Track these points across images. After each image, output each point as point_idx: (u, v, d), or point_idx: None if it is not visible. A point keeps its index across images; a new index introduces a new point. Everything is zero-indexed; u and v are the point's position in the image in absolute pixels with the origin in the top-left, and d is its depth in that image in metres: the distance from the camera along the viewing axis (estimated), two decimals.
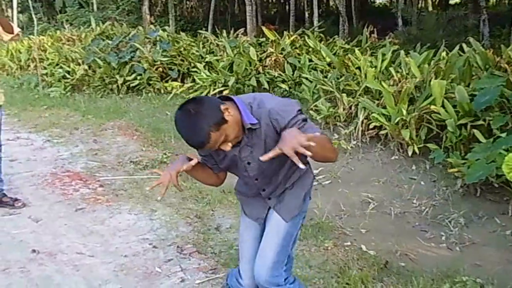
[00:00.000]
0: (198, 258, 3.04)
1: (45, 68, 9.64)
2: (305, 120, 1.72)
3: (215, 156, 1.91)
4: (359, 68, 5.84)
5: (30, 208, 3.83)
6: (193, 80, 8.14)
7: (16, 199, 3.86)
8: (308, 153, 1.50)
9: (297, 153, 1.51)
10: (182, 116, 1.66)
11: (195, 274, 2.86)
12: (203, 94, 7.69)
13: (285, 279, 1.98)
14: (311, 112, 6.03)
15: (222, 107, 1.66)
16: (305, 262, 2.95)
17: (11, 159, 4.93)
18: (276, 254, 1.93)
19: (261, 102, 1.75)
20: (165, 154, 5.08)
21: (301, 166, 1.52)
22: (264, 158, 1.57)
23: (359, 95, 5.36)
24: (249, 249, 2.07)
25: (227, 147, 1.73)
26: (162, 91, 8.46)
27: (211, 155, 1.92)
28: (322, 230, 3.39)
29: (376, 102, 5.11)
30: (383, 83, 4.93)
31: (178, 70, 8.63)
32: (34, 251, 3.13)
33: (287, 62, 7.46)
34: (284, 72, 7.39)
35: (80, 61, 9.30)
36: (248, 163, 1.86)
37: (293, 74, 7.24)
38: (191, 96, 7.81)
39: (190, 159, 1.82)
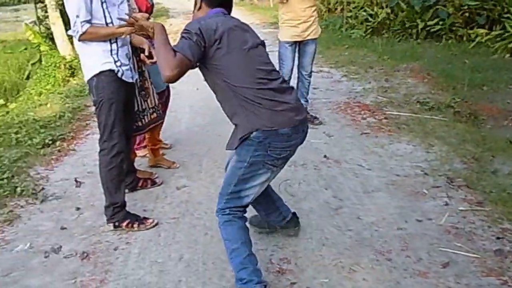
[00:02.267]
0: (466, 191, 3.37)
1: (350, 11, 10.73)
2: (183, 37, 2.09)
3: None
4: None
5: (325, 126, 4.83)
6: (503, 28, 7.77)
7: (315, 117, 4.91)
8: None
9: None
10: None
11: (459, 202, 3.22)
12: None
13: (219, 209, 2.35)
14: None
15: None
16: None
17: (314, 87, 6.12)
18: (222, 186, 2.36)
19: None
20: (453, 99, 5.30)
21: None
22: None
23: None
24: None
25: None
26: (464, 38, 8.38)
27: None
28: None
29: None
30: None
31: (487, 16, 8.31)
32: (325, 156, 4.07)
33: None
34: None
35: (383, 4, 9.97)
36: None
37: None
38: (497, 45, 7.54)
39: None
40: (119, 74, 2.84)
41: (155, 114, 3.61)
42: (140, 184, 3.57)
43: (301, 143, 2.33)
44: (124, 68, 2.87)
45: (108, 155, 2.89)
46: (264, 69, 2.21)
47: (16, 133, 4.98)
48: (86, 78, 2.86)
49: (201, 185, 3.58)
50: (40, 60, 10.67)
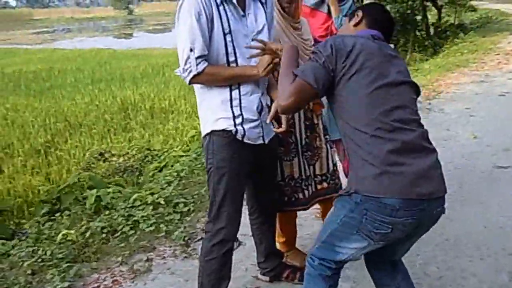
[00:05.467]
0: None
1: None
2: (310, 59, 1.74)
3: None
4: None
5: None
6: None
7: None
8: None
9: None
10: None
11: None
12: None
13: (312, 254, 1.87)
14: None
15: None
16: None
17: None
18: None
19: None
20: None
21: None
22: None
23: None
24: None
25: None
26: None
27: None
28: None
29: None
30: None
31: None
32: None
33: None
34: None
35: None
36: None
37: None
38: None
39: None
40: (238, 135, 2.04)
41: (325, 184, 2.57)
42: (285, 275, 2.59)
43: (427, 228, 1.73)
44: (247, 126, 2.05)
45: (210, 241, 2.13)
46: (397, 114, 1.63)
47: None
48: (202, 134, 2.16)
49: None
50: None
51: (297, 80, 1.65)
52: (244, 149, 2.07)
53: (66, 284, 2.77)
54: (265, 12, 2.09)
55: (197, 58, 1.90)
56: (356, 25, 1.89)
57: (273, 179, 2.41)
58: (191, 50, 1.89)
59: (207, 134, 2.07)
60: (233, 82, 2.00)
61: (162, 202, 3.67)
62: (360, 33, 1.84)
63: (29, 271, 2.92)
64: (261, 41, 1.91)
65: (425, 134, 1.70)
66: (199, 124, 2.24)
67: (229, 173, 2.05)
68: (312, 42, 2.53)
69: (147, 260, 3.00)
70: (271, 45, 1.93)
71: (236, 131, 2.03)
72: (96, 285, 2.81)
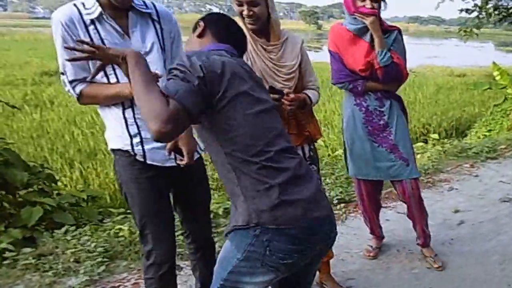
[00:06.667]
0: None
1: None
2: (176, 76, 1.38)
3: None
4: None
5: None
6: None
7: None
8: None
9: None
10: None
11: None
12: None
13: None
14: None
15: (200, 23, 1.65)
16: None
17: None
18: (217, 263, 1.65)
19: None
20: None
21: None
22: None
23: None
24: None
25: None
26: None
27: None
28: None
29: None
30: None
31: None
32: None
33: None
34: None
35: None
36: None
37: None
38: None
39: None
40: (139, 157, 1.83)
41: None
42: None
43: (328, 247, 1.62)
44: (149, 146, 1.83)
45: (145, 261, 1.97)
46: (280, 143, 1.52)
47: None
48: None
49: None
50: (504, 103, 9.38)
51: (173, 103, 1.33)
52: (151, 171, 1.86)
53: (85, 278, 2.77)
54: (156, 30, 1.87)
55: (70, 82, 1.79)
56: (200, 36, 1.64)
57: (201, 205, 2.13)
58: (62, 73, 1.79)
59: (111, 151, 1.92)
60: (114, 101, 1.80)
61: (220, 213, 3.47)
62: (210, 47, 1.59)
63: (72, 259, 2.98)
64: (95, 45, 1.51)
65: (302, 160, 1.59)
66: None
67: (139, 195, 1.87)
68: (294, 69, 2.18)
69: (177, 267, 2.81)
70: (109, 51, 1.50)
71: (134, 152, 1.83)
72: (117, 284, 2.74)
